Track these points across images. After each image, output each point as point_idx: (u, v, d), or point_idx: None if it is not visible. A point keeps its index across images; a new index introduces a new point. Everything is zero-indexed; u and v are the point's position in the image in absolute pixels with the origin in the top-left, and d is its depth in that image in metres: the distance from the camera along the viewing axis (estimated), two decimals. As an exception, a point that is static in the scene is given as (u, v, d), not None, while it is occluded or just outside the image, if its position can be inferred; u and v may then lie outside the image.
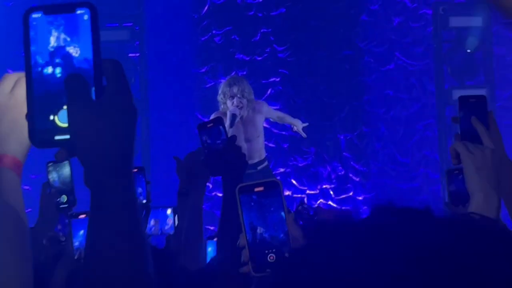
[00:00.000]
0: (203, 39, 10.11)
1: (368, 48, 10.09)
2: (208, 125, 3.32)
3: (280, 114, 8.11)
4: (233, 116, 7.19)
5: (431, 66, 9.69)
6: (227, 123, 7.15)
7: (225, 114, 7.29)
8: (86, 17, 1.35)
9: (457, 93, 9.19)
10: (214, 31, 10.11)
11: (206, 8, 10.12)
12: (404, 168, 9.87)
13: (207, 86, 9.98)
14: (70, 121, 1.31)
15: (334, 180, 9.95)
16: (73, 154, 1.34)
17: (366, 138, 10.04)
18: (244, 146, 7.36)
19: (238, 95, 7.24)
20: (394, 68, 10.10)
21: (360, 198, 9.90)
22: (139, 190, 4.56)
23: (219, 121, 3.33)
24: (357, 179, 9.95)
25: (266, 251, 2.10)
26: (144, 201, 4.54)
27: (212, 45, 10.10)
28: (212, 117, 7.36)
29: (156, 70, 9.85)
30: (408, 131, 10.02)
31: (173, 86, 10.02)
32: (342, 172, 9.97)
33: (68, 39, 1.35)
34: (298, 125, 7.99)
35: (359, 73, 10.07)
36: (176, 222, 4.28)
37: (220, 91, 7.40)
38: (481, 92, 8.83)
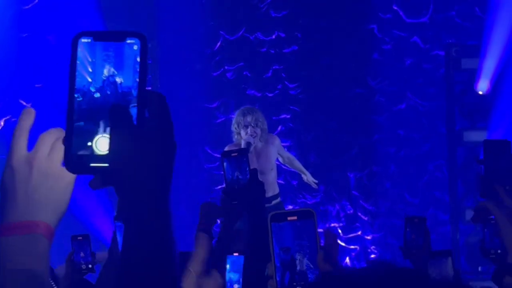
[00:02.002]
0: (215, 74, 10.15)
1: (380, 87, 10.10)
2: (232, 154, 3.29)
3: (290, 156, 8.07)
4: (248, 145, 7.15)
5: (443, 107, 9.69)
6: None
7: (238, 145, 7.25)
8: (135, 47, 1.33)
9: (468, 135, 9.19)
10: (226, 67, 10.14)
11: (218, 43, 10.17)
12: (413, 208, 9.82)
13: (218, 121, 10.00)
14: (111, 149, 1.29)
15: (342, 219, 9.91)
16: (109, 183, 1.30)
17: (376, 177, 10.01)
18: None
19: (252, 125, 7.20)
20: (405, 107, 10.10)
21: (369, 237, 9.85)
22: None
23: (243, 152, 3.31)
24: (366, 218, 9.91)
25: (294, 283, 2.05)
26: None
27: (224, 80, 10.13)
28: (226, 149, 7.34)
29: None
30: (418, 171, 9.99)
31: (184, 120, 10.03)
32: (351, 211, 9.94)
33: (115, 68, 1.33)
34: (308, 175, 7.96)
35: (370, 112, 10.07)
36: None
37: (233, 121, 7.37)
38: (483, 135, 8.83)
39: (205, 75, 10.14)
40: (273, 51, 10.15)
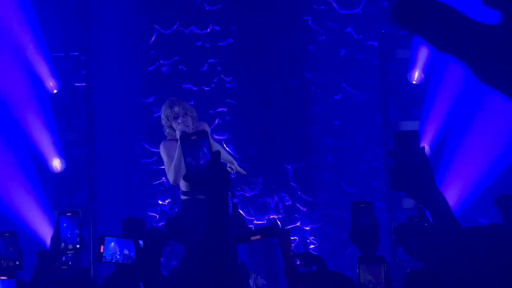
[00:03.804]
0: (150, 69, 10.09)
1: (315, 78, 10.16)
2: (192, 137, 3.20)
3: (216, 145, 7.94)
4: (183, 133, 7.08)
5: (377, 97, 9.79)
6: (178, 143, 7.03)
7: (173, 139, 7.16)
8: None
9: (403, 125, 9.30)
10: (161, 61, 10.09)
11: (153, 37, 10.11)
12: (351, 198, 9.90)
13: (155, 116, 9.94)
14: None
15: (281, 210, 9.95)
16: None
17: (314, 168, 10.07)
18: None
19: (181, 114, 7.13)
20: (341, 98, 10.18)
21: (307, 228, 9.92)
22: (68, 234, 4.59)
23: (203, 134, 3.21)
24: (304, 209, 9.97)
25: None
26: (78, 246, 4.60)
27: (159, 75, 10.08)
28: (161, 146, 7.24)
29: (102, 99, 9.78)
30: (355, 161, 10.08)
31: (119, 116, 9.96)
32: (290, 202, 9.98)
33: None
34: (235, 164, 7.88)
35: (306, 104, 10.13)
36: None
37: (162, 116, 7.24)
38: (416, 124, 8.97)
39: (140, 70, 10.08)
40: (208, 45, 10.12)
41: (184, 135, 3.22)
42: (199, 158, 3.13)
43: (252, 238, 2.05)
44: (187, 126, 7.10)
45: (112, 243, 4.19)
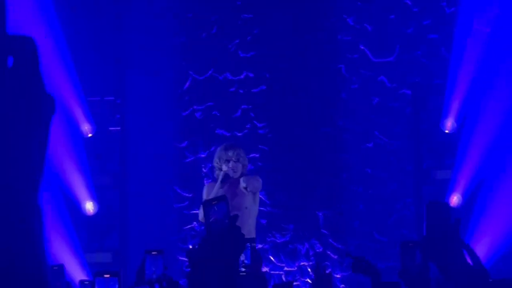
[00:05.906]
0: (184, 114, 10.17)
1: (347, 126, 10.18)
2: (213, 202, 3.31)
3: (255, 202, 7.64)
4: (226, 175, 7.15)
5: (410, 145, 9.78)
6: (218, 181, 7.12)
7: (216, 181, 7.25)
8: None
9: (435, 173, 9.27)
10: (195, 106, 10.17)
11: (188, 83, 10.21)
12: (381, 246, 9.86)
13: (187, 160, 10.00)
14: None
15: (312, 257, 9.92)
16: None
17: (344, 215, 10.04)
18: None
19: (233, 159, 7.20)
20: (373, 146, 10.17)
21: (338, 276, 9.87)
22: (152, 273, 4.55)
23: (222, 198, 3.32)
24: (335, 257, 9.93)
25: None
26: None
27: (193, 120, 10.16)
28: (204, 187, 7.34)
29: (136, 143, 9.87)
30: (386, 209, 10.04)
31: (153, 160, 10.03)
32: (320, 249, 9.95)
33: None
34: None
35: (338, 151, 10.13)
36: None
37: (215, 157, 7.35)
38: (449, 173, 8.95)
39: (174, 114, 10.16)
40: (242, 91, 10.20)
41: (205, 201, 3.33)
42: (218, 221, 3.24)
43: None
44: (235, 172, 7.15)
45: None
